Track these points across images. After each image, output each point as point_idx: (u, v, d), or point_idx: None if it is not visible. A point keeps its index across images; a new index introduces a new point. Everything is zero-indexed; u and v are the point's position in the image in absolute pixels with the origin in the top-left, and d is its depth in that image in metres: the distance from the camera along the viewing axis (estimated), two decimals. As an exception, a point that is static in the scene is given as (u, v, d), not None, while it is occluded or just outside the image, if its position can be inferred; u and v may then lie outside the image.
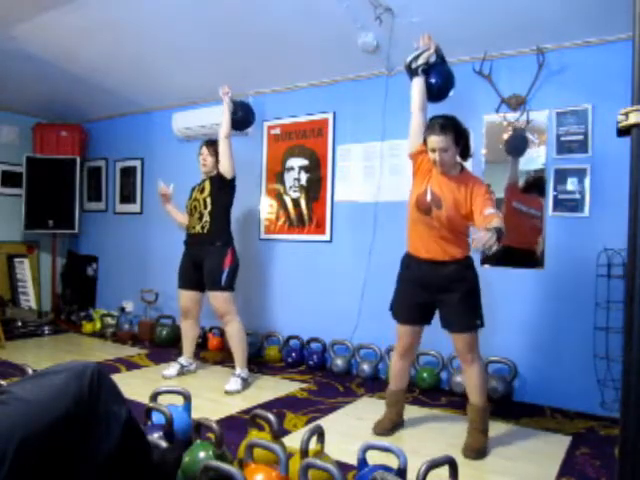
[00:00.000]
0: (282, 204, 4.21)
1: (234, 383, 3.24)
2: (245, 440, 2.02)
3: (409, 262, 2.55)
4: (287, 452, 1.80)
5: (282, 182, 4.22)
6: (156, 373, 3.56)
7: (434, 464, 1.63)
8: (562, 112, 3.10)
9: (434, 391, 3.30)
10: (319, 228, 4.02)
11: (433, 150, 2.35)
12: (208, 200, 3.39)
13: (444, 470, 1.68)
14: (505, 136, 3.28)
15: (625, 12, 1.43)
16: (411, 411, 2.84)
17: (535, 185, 3.19)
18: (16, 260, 5.18)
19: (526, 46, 3.16)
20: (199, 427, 1.98)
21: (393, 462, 1.79)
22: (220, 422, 2.48)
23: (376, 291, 3.51)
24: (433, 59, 2.58)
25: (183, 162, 4.67)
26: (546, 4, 2.79)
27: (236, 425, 2.60)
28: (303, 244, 4.09)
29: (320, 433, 1.88)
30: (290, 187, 4.17)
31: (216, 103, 4.36)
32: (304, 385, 3.42)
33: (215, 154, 3.45)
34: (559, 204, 3.11)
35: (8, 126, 5.25)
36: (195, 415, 2.23)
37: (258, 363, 3.90)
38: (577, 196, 3.06)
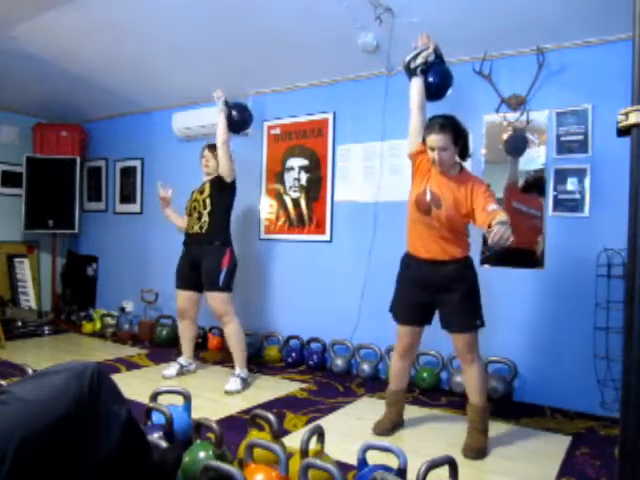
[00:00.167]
0: (282, 204, 4.21)
1: (234, 383, 3.24)
2: (245, 440, 2.02)
3: (409, 262, 2.55)
4: (287, 452, 1.80)
5: (282, 182, 4.22)
6: (156, 373, 3.56)
7: (434, 464, 1.63)
8: (562, 112, 3.10)
9: (434, 391, 3.30)
10: (319, 228, 4.02)
11: (432, 149, 2.35)
12: (208, 201, 3.39)
13: (444, 470, 1.68)
14: (505, 136, 3.28)
15: (625, 12, 1.43)
16: (411, 411, 2.84)
17: (535, 185, 3.19)
18: (16, 260, 5.18)
19: (526, 46, 3.16)
20: (199, 427, 1.98)
21: (393, 462, 1.79)
22: (220, 422, 2.48)
23: (376, 291, 3.51)
24: (432, 58, 2.58)
25: (183, 162, 4.68)
26: (546, 4, 2.79)
27: (236, 425, 2.60)
28: (303, 244, 4.09)
29: (320, 433, 1.88)
30: (290, 187, 4.17)
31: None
32: (304, 385, 3.42)
33: (217, 156, 3.45)
34: (559, 204, 3.11)
35: (8, 126, 5.25)
36: (195, 415, 2.23)
37: (258, 363, 3.90)
38: (577, 196, 3.06)
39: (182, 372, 3.56)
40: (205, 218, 3.38)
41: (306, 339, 3.96)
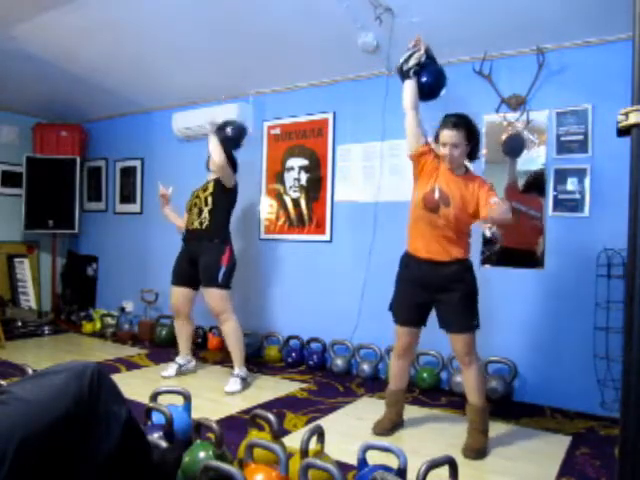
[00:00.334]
0: (282, 204, 4.21)
1: (233, 384, 3.24)
2: (245, 440, 2.02)
3: (408, 262, 2.55)
4: (287, 452, 1.80)
5: (282, 182, 4.21)
6: (156, 373, 3.56)
7: (434, 464, 1.63)
8: (562, 112, 3.10)
9: (434, 391, 3.30)
10: (319, 228, 4.02)
11: (444, 145, 2.38)
12: (209, 199, 3.39)
13: (444, 470, 1.68)
14: (503, 137, 3.28)
15: (625, 12, 1.43)
16: (411, 411, 2.84)
17: (535, 185, 3.19)
18: (16, 260, 5.18)
19: (526, 46, 3.16)
20: (199, 427, 1.98)
21: (393, 462, 1.79)
22: (220, 422, 2.48)
23: (376, 291, 3.51)
24: (423, 59, 2.57)
25: (183, 162, 4.68)
26: (546, 4, 2.79)
27: (236, 425, 2.60)
28: (303, 244, 4.09)
29: (320, 433, 1.88)
30: (290, 187, 4.17)
31: (216, 103, 4.38)
32: (304, 385, 3.42)
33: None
34: (559, 204, 3.11)
35: (8, 126, 5.25)
36: (195, 415, 2.23)
37: (258, 363, 3.90)
38: (577, 196, 3.06)
39: (181, 371, 3.55)
40: (205, 215, 3.37)
41: (306, 339, 3.96)
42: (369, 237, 3.74)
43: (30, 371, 2.27)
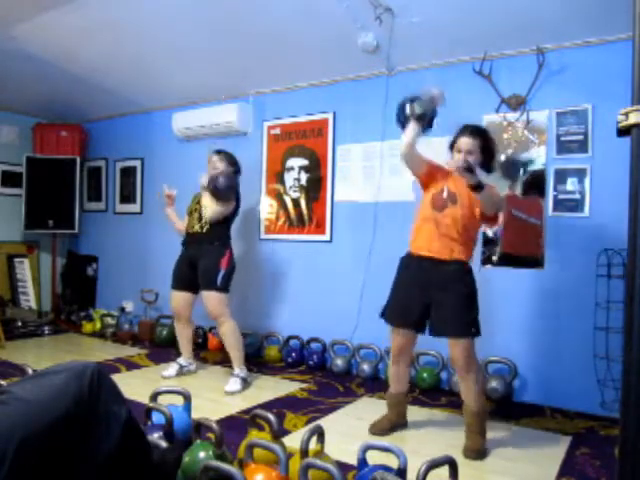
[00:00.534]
0: (282, 204, 4.21)
1: (234, 384, 3.24)
2: (245, 440, 2.02)
3: (409, 262, 2.54)
4: (287, 452, 1.80)
5: (282, 182, 4.21)
6: (156, 373, 3.56)
7: (434, 464, 1.63)
8: (562, 112, 3.10)
9: (434, 391, 3.30)
10: (319, 228, 4.02)
11: (459, 151, 2.43)
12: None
13: (444, 470, 1.68)
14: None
15: (625, 12, 1.43)
16: (411, 411, 2.84)
17: (534, 189, 3.17)
18: (16, 260, 5.18)
19: (526, 46, 3.16)
20: (199, 427, 1.98)
21: (393, 462, 1.79)
22: (220, 422, 2.48)
23: (376, 291, 3.49)
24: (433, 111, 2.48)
25: (183, 162, 4.68)
26: (546, 4, 2.79)
27: (236, 425, 2.60)
28: (303, 244, 4.09)
29: (320, 433, 1.88)
30: (290, 187, 4.17)
31: (216, 103, 4.38)
32: (304, 385, 3.42)
33: (225, 160, 3.47)
34: (559, 204, 3.11)
35: (8, 126, 5.25)
36: (195, 415, 2.23)
37: (258, 363, 3.90)
38: (577, 196, 3.06)
39: (182, 372, 3.55)
40: (206, 219, 3.38)
41: (306, 339, 3.96)
42: (369, 237, 3.74)
43: (30, 371, 2.26)
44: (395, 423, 2.63)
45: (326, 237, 3.98)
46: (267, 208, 4.30)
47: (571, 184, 3.08)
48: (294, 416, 2.80)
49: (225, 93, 4.35)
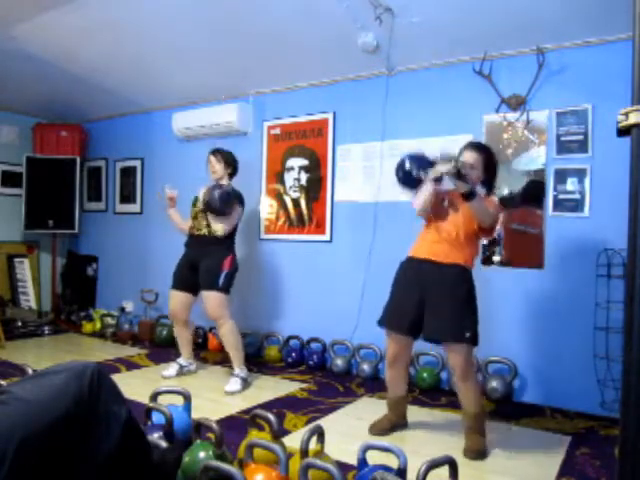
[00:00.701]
0: (282, 204, 4.21)
1: (234, 384, 3.24)
2: (245, 440, 2.02)
3: (408, 265, 2.55)
4: (287, 452, 1.80)
5: (282, 182, 4.21)
6: (156, 373, 3.56)
7: (434, 464, 1.63)
8: (562, 112, 3.10)
9: (434, 391, 3.30)
10: (319, 228, 4.02)
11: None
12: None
13: (444, 470, 1.68)
14: (506, 138, 3.27)
15: (625, 12, 1.43)
16: (411, 411, 2.84)
17: (531, 197, 3.18)
18: (16, 260, 5.18)
19: (526, 46, 3.16)
20: (199, 427, 1.98)
21: (393, 462, 1.79)
22: (220, 422, 2.48)
23: (376, 291, 3.49)
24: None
25: (183, 162, 4.68)
26: (546, 4, 2.79)
27: (236, 425, 2.60)
28: (303, 244, 4.09)
29: (320, 433, 1.88)
30: (290, 187, 4.17)
31: (216, 103, 4.38)
32: (304, 385, 3.42)
33: (222, 160, 3.46)
34: (559, 204, 3.11)
35: (8, 126, 5.25)
36: (195, 415, 2.23)
37: (258, 363, 3.90)
38: (577, 196, 3.06)
39: (182, 372, 3.55)
40: (212, 223, 3.37)
41: (306, 339, 3.96)
42: (369, 237, 3.74)
43: (30, 371, 2.26)
44: (395, 423, 2.63)
45: (326, 237, 3.98)
46: (267, 208, 4.30)
47: (571, 184, 3.08)
48: (294, 416, 2.80)
49: (225, 93, 4.35)
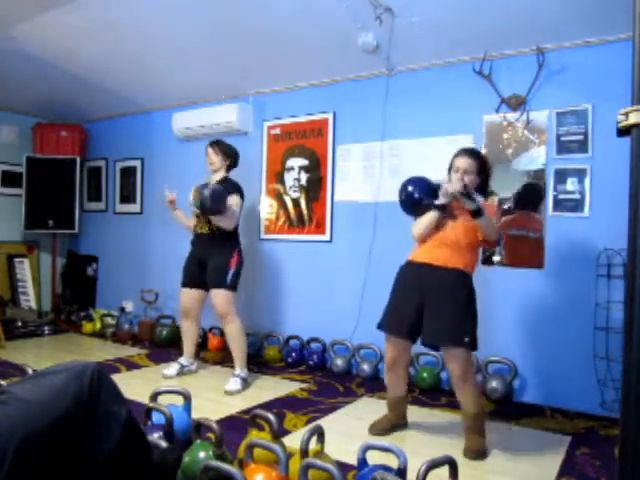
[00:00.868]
0: (282, 204, 4.21)
1: (234, 383, 3.24)
2: (245, 440, 2.02)
3: (407, 270, 2.55)
4: (287, 452, 1.80)
5: (282, 182, 4.21)
6: (156, 373, 3.56)
7: (434, 464, 1.63)
8: (562, 112, 3.10)
9: (434, 391, 3.30)
10: (319, 228, 4.02)
11: (457, 170, 2.45)
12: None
13: (444, 470, 1.68)
14: (506, 138, 3.27)
15: (625, 12, 1.43)
16: (411, 411, 2.84)
17: (531, 200, 3.18)
18: (16, 260, 5.18)
19: (526, 46, 3.16)
20: (199, 427, 1.98)
21: (393, 462, 1.79)
22: (220, 422, 2.48)
23: (376, 291, 3.50)
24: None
25: (183, 162, 4.68)
26: (546, 4, 2.79)
27: (236, 425, 2.60)
28: (303, 244, 4.09)
29: (320, 433, 1.88)
30: (290, 187, 4.17)
31: (216, 103, 4.38)
32: (304, 385, 3.42)
33: (221, 152, 3.46)
34: (559, 204, 3.11)
35: (8, 126, 5.25)
36: (195, 415, 2.23)
37: (258, 363, 3.90)
38: (577, 196, 3.06)
39: (183, 372, 3.55)
40: (214, 221, 3.36)
41: (306, 339, 3.96)
42: (369, 237, 3.74)
43: (30, 371, 2.26)
44: (395, 423, 2.63)
45: (326, 237, 3.98)
46: (267, 208, 4.30)
47: (571, 184, 3.08)
48: (294, 416, 2.80)
49: (225, 93, 4.35)
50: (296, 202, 4.14)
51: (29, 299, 5.13)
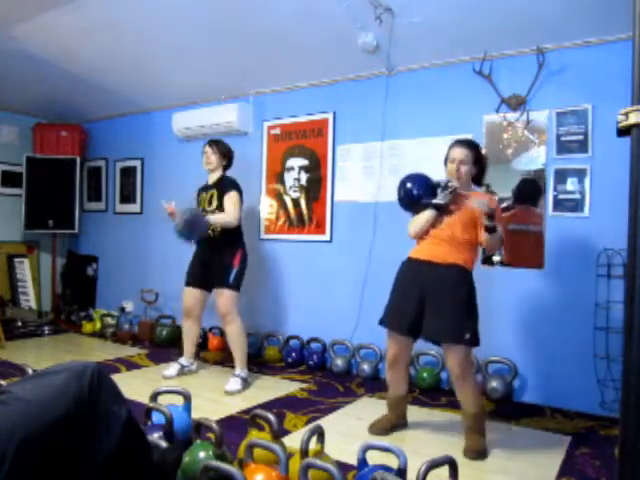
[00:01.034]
0: (282, 204, 4.21)
1: (234, 383, 3.24)
2: (245, 440, 2.02)
3: (408, 267, 2.55)
4: (287, 452, 1.80)
5: (282, 182, 4.21)
6: (156, 373, 3.56)
7: (434, 464, 1.63)
8: (562, 112, 3.10)
9: (434, 391, 3.30)
10: (319, 228, 4.02)
11: (452, 161, 2.47)
12: (215, 203, 3.39)
13: (444, 470, 1.68)
14: (506, 138, 3.27)
15: (625, 12, 1.43)
16: (411, 411, 2.84)
17: (530, 196, 3.18)
18: (16, 260, 5.18)
19: (526, 46, 3.16)
20: (199, 427, 1.98)
21: (393, 462, 1.79)
22: (220, 422, 2.48)
23: (376, 291, 3.50)
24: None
25: (183, 162, 4.68)
26: (546, 4, 2.79)
27: (236, 425, 2.60)
28: (303, 244, 4.09)
29: (320, 433, 1.88)
30: (290, 187, 4.17)
31: (217, 103, 4.38)
32: (304, 385, 3.42)
33: (218, 152, 3.46)
34: (559, 204, 3.11)
35: (8, 126, 5.25)
36: (195, 415, 2.23)
37: (258, 363, 3.90)
38: (577, 196, 3.06)
39: (183, 372, 3.55)
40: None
41: (306, 339, 3.96)
42: (369, 237, 3.74)
43: (30, 371, 2.26)
44: (395, 423, 2.63)
45: (326, 237, 3.98)
46: (267, 208, 4.30)
47: (571, 184, 3.08)
48: (294, 416, 2.80)
49: (225, 93, 4.35)
50: (296, 202, 4.14)
51: (29, 299, 5.13)
